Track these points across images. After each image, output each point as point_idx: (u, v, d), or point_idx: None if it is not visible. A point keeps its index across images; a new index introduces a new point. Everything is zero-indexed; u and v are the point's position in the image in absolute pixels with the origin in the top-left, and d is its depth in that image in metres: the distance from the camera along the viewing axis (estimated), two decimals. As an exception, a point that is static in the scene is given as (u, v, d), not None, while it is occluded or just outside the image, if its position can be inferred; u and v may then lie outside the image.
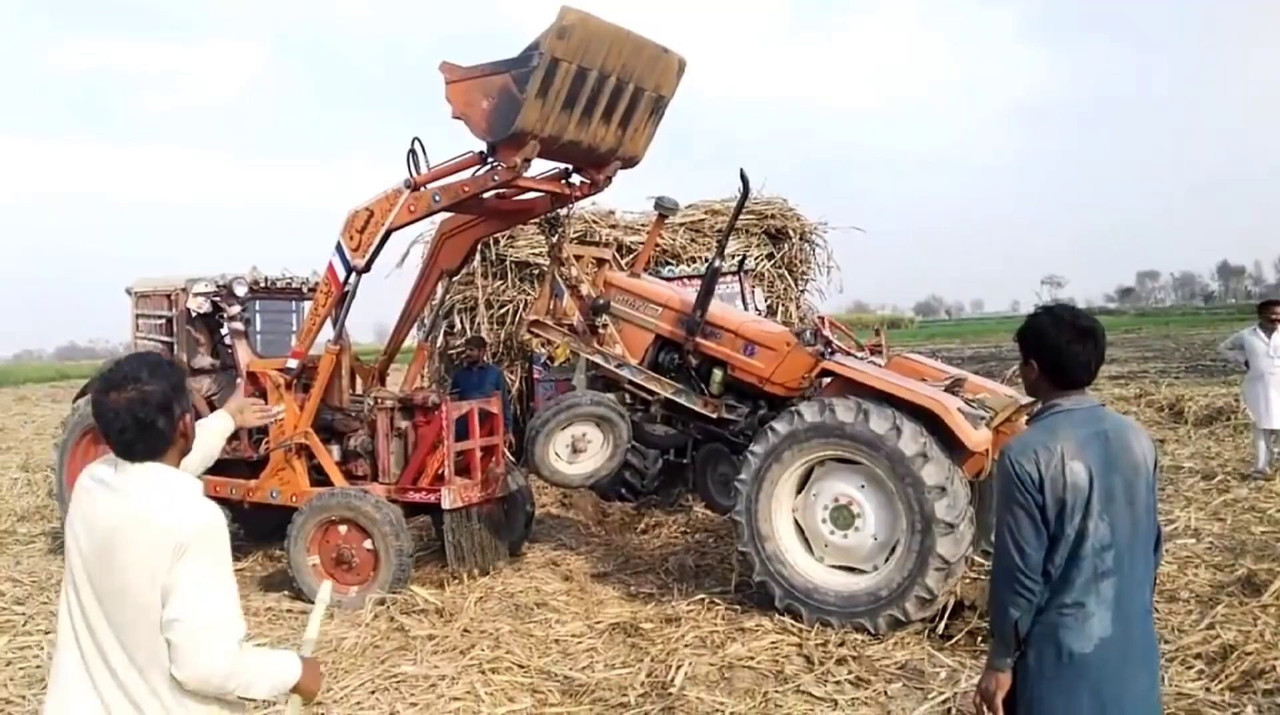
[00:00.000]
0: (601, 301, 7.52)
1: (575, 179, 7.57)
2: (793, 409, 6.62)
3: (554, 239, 7.75)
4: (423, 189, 7.07)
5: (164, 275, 8.83)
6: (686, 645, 5.99)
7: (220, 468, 8.36)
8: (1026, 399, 6.36)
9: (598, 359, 7.57)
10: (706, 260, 11.83)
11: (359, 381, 8.53)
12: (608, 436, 7.31)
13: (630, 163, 7.57)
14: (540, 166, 7.13)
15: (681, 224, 12.63)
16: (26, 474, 13.10)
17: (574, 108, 6.54)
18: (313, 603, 6.48)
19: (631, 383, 7.58)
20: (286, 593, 7.46)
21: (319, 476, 7.76)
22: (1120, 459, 2.84)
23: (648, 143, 7.52)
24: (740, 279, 10.86)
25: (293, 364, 7.82)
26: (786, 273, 12.93)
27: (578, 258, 7.83)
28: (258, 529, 9.10)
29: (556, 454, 7.23)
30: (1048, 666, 2.80)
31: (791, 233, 12.98)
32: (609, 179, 7.61)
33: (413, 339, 9.41)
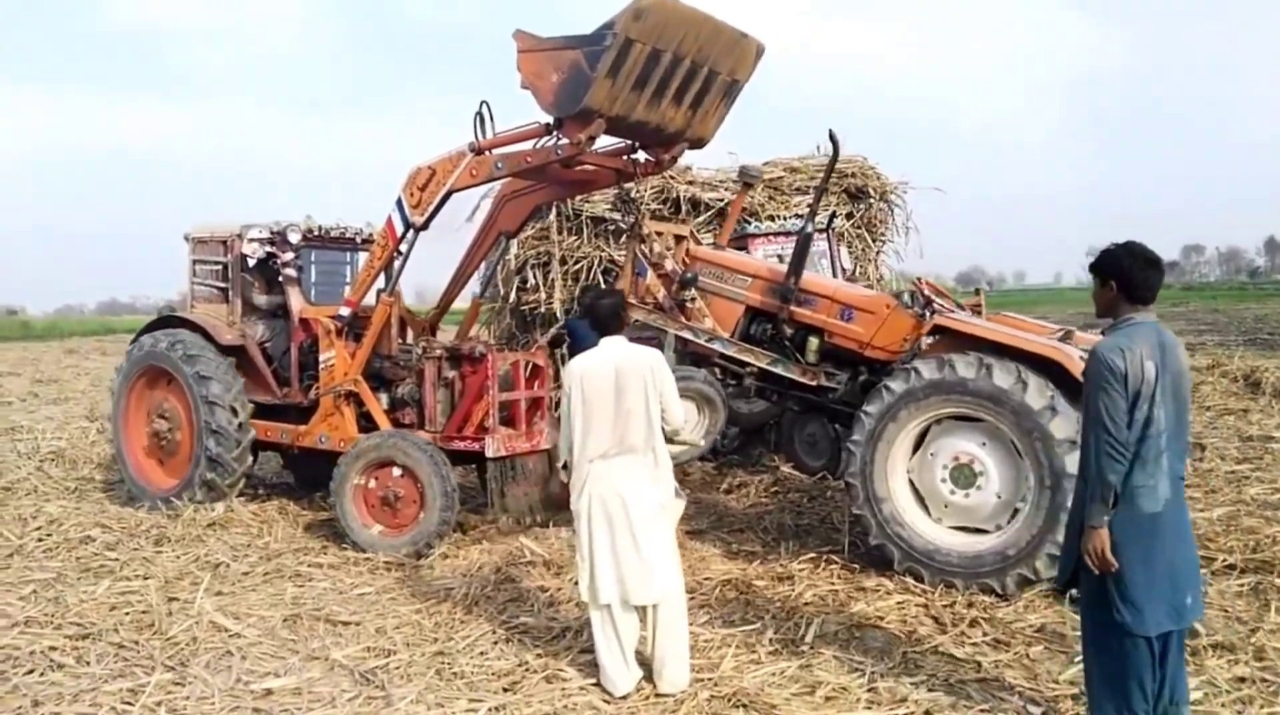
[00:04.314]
0: (689, 276, 7.37)
1: (640, 156, 7.41)
2: (908, 366, 6.39)
3: (631, 217, 7.60)
4: (486, 154, 7.02)
5: (221, 222, 8.81)
6: (806, 604, 5.82)
7: (271, 413, 8.51)
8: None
9: (687, 334, 7.39)
10: (784, 218, 11.61)
11: (409, 332, 8.56)
12: (704, 417, 7.18)
13: (698, 144, 7.46)
14: (605, 139, 6.97)
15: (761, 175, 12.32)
16: (94, 423, 13.10)
17: (644, 88, 6.42)
18: (356, 545, 6.94)
19: (723, 357, 7.41)
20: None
21: (367, 423, 7.82)
22: (1171, 363, 3.68)
23: (718, 125, 7.37)
24: (829, 238, 10.57)
25: (345, 312, 7.91)
26: (866, 233, 12.62)
27: (658, 234, 7.65)
28: (308, 476, 9.11)
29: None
30: (1128, 527, 3.63)
31: (872, 192, 12.64)
32: (674, 159, 7.51)
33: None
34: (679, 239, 7.88)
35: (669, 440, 4.80)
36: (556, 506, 4.98)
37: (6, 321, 48.75)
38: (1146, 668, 3.67)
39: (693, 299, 7.43)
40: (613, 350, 4.74)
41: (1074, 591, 5.34)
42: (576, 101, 6.22)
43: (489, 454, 7.26)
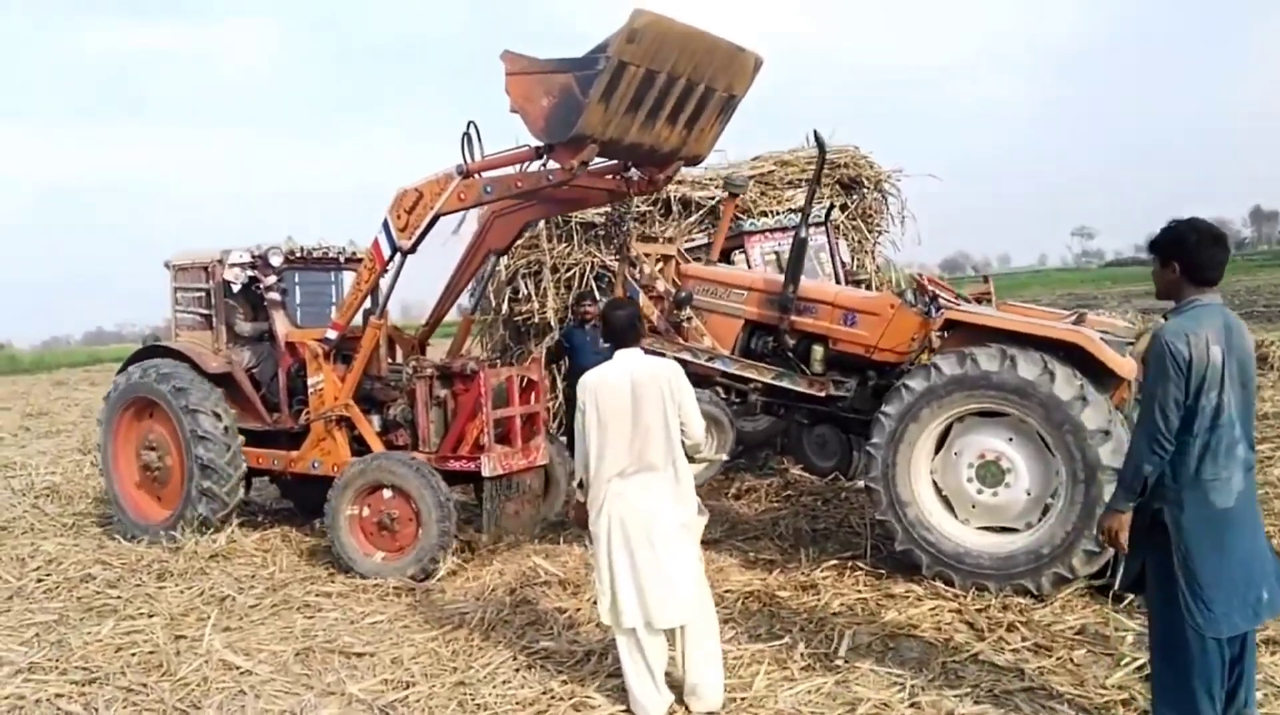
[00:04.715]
0: (684, 295, 7.21)
1: (634, 174, 7.22)
2: (928, 363, 6.24)
3: (618, 239, 7.43)
4: (475, 177, 6.83)
5: (202, 248, 8.63)
6: (835, 614, 5.65)
7: (262, 439, 8.33)
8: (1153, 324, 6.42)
9: (686, 356, 7.17)
10: (778, 214, 11.43)
11: (399, 351, 8.38)
12: (712, 438, 7.04)
13: (694, 162, 7.31)
14: (597, 159, 6.74)
15: (749, 177, 12.13)
16: (88, 456, 12.85)
17: (639, 110, 6.22)
18: (353, 571, 6.94)
19: (725, 375, 7.24)
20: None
21: (360, 447, 7.65)
22: (1238, 346, 3.54)
23: (714, 141, 7.17)
24: (828, 231, 10.41)
25: (332, 335, 7.74)
26: (861, 223, 12.44)
27: (645, 256, 7.47)
28: (306, 502, 8.92)
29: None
30: (1198, 523, 3.49)
31: (866, 182, 12.45)
32: (669, 178, 7.33)
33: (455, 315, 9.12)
34: (666, 259, 7.72)
35: (689, 457, 4.60)
36: (579, 524, 4.78)
37: (-7, 355, 48.25)
38: (1216, 672, 3.51)
39: (689, 318, 7.27)
40: (628, 362, 4.57)
41: (1117, 590, 5.26)
42: (568, 128, 6.01)
43: (485, 473, 7.08)
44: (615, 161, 7.01)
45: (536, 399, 7.71)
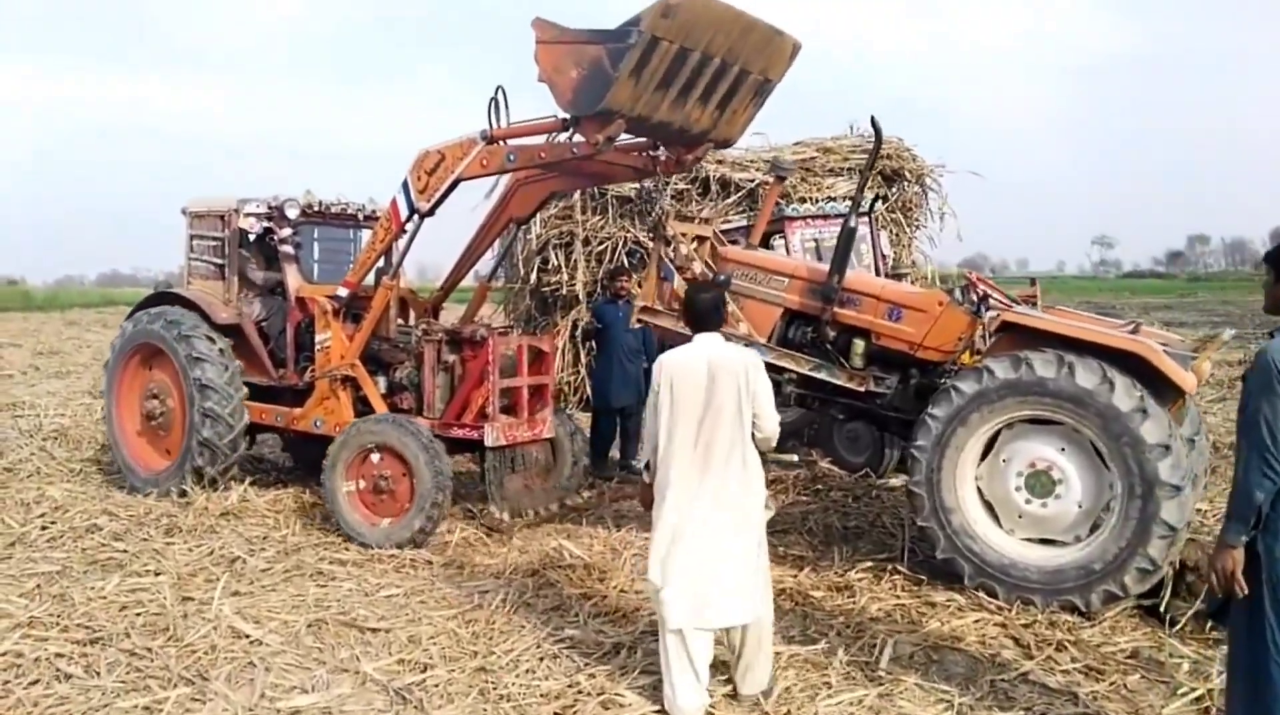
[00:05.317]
0: (722, 278, 6.90)
1: (661, 153, 6.98)
2: (979, 365, 5.96)
3: (653, 217, 7.13)
4: (499, 144, 6.63)
5: (220, 196, 8.44)
6: (873, 619, 5.39)
7: (266, 395, 8.12)
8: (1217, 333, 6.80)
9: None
10: (819, 201, 11.13)
11: (411, 313, 8.19)
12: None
13: (724, 144, 7.11)
14: (625, 135, 6.50)
15: (793, 161, 11.85)
16: (98, 400, 12.64)
17: (669, 88, 5.99)
18: (347, 535, 6.78)
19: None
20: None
21: (364, 408, 7.47)
22: None
23: (746, 124, 6.93)
24: (871, 222, 10.10)
25: (342, 293, 7.54)
26: (901, 217, 12.15)
27: (681, 236, 7.19)
28: (307, 459, 8.69)
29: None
30: None
31: (908, 175, 12.17)
32: (698, 159, 7.10)
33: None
34: (701, 240, 7.44)
35: (760, 453, 4.38)
36: (644, 506, 4.58)
37: (6, 291, 48.11)
38: None
39: (726, 303, 6.98)
40: (707, 347, 4.36)
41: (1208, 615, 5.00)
42: (596, 101, 5.80)
43: (488, 443, 6.92)
44: (643, 139, 6.78)
45: (546, 371, 7.52)
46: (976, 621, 5.32)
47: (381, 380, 7.62)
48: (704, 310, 4.48)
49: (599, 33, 5.76)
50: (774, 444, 4.46)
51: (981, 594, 5.66)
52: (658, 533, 4.29)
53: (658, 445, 4.32)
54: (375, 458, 6.92)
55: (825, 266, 6.88)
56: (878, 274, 10.15)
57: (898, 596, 5.72)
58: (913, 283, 11.56)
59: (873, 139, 7.31)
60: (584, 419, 10.42)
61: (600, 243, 11.55)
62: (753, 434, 4.30)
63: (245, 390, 7.98)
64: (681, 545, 4.22)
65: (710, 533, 4.21)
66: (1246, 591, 3.33)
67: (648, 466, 4.48)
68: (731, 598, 4.21)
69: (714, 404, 4.24)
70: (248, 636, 5.17)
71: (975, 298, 6.65)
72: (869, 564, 6.24)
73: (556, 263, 11.78)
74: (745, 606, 4.25)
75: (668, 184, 11.09)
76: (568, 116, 6.22)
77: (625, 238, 11.46)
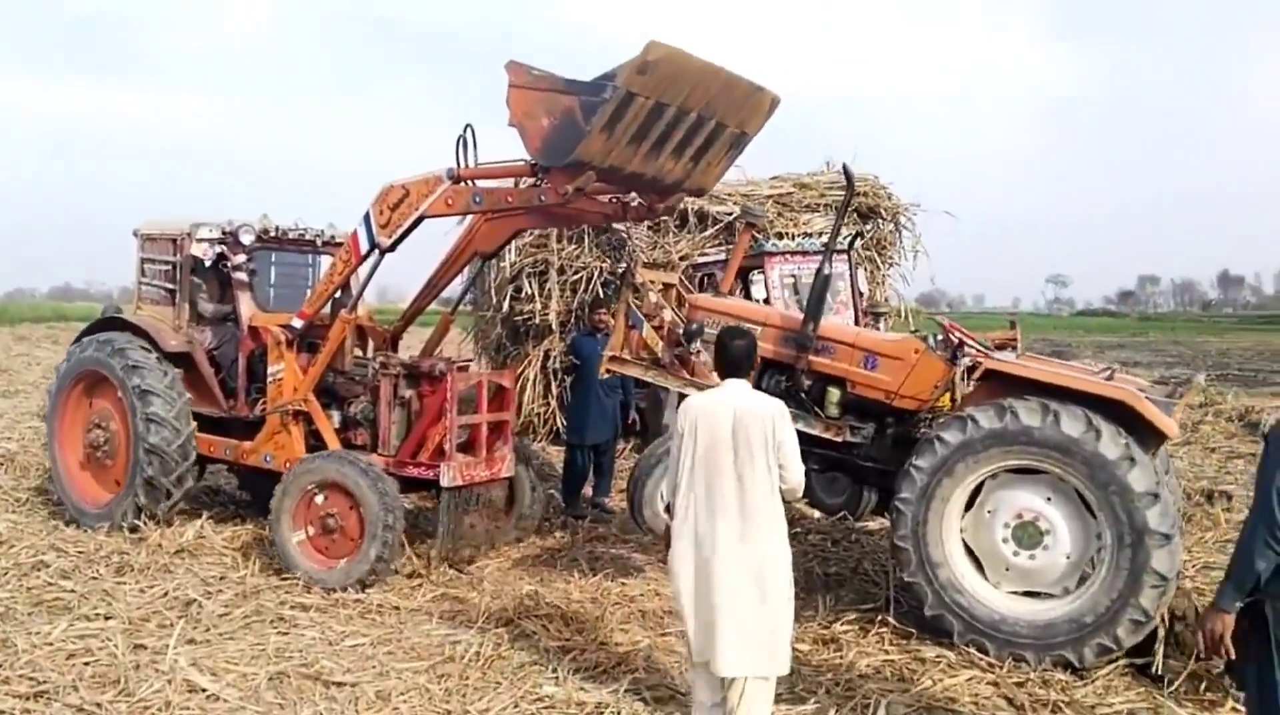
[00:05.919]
0: (695, 327, 6.74)
1: (633, 200, 6.84)
2: (963, 414, 5.82)
3: (622, 266, 6.97)
4: (465, 184, 6.48)
5: (173, 218, 8.15)
6: (862, 676, 5.21)
7: (216, 426, 7.80)
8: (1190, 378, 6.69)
9: (691, 392, 6.73)
10: (796, 237, 11.04)
11: (370, 343, 7.91)
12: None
13: (698, 194, 7.01)
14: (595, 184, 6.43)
15: (767, 197, 11.79)
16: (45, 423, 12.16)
17: (643, 141, 5.87)
18: (296, 577, 6.60)
19: None
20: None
21: (316, 443, 7.21)
22: None
23: (720, 175, 6.87)
24: (849, 259, 10.01)
25: (297, 323, 7.27)
26: (875, 254, 12.11)
27: (650, 283, 7.04)
28: (265, 492, 8.29)
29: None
30: None
31: (883, 212, 12.14)
32: (670, 208, 6.98)
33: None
34: (666, 287, 7.28)
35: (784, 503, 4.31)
36: (665, 546, 4.46)
37: (-48, 304, 46.90)
38: None
39: (696, 352, 6.82)
40: (734, 394, 4.31)
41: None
42: (567, 153, 5.67)
43: (444, 483, 6.64)
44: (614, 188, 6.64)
45: (506, 407, 7.26)
46: (969, 680, 5.15)
47: (336, 414, 7.34)
48: (736, 357, 4.44)
49: (574, 83, 5.64)
50: (800, 494, 4.44)
51: (971, 649, 5.50)
52: (678, 582, 4.30)
53: (678, 488, 4.28)
54: (320, 499, 6.65)
55: (798, 314, 6.75)
56: (855, 311, 10.06)
57: (886, 651, 5.55)
58: (889, 322, 11.51)
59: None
60: (554, 452, 10.21)
61: (575, 272, 11.35)
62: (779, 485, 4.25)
63: (194, 424, 7.66)
64: (704, 592, 4.20)
65: (723, 581, 4.16)
66: (1234, 655, 3.34)
67: (669, 509, 4.41)
68: (733, 651, 4.13)
69: (739, 456, 4.18)
70: (204, 691, 4.87)
71: (952, 345, 6.55)
72: (854, 615, 6.06)
73: (530, 291, 11.55)
74: (746, 660, 4.17)
75: (632, 232, 10.97)
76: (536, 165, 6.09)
77: (601, 268, 11.28)
